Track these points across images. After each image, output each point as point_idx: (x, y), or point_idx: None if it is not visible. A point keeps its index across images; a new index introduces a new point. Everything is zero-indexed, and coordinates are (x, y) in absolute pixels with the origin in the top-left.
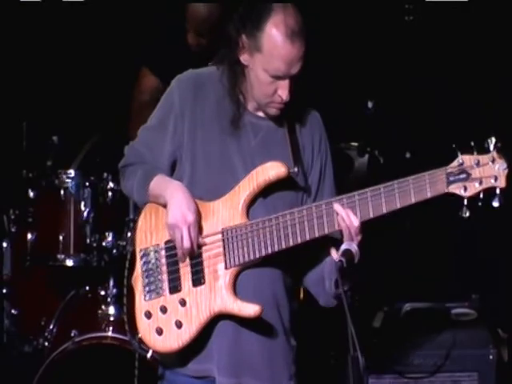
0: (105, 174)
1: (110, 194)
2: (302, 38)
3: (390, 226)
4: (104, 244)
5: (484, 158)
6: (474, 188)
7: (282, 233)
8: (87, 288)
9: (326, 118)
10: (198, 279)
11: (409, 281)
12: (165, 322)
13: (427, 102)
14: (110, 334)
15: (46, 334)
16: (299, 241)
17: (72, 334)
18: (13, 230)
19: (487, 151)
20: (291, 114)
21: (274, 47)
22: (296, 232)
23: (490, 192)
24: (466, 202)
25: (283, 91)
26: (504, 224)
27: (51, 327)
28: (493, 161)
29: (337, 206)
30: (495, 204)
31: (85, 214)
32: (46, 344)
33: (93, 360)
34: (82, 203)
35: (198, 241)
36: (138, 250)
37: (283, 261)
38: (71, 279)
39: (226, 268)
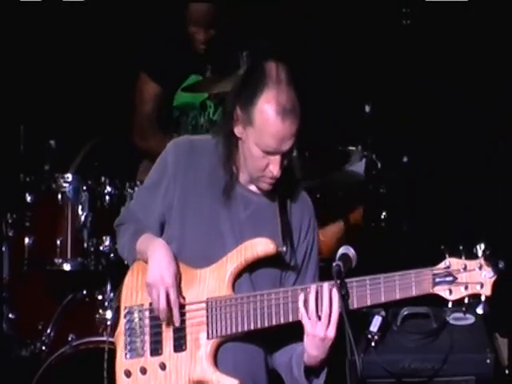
0: (102, 178)
1: (107, 198)
2: (293, 116)
3: (388, 229)
4: (101, 248)
5: (471, 264)
6: (459, 292)
7: (266, 311)
8: (84, 292)
9: (323, 122)
10: (179, 345)
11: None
12: (144, 383)
13: (425, 105)
14: (107, 338)
15: (44, 338)
16: (282, 321)
17: (69, 338)
18: (10, 234)
19: (475, 257)
20: (283, 191)
21: (265, 123)
22: (279, 312)
23: (475, 297)
24: (450, 304)
25: (274, 167)
26: (503, 227)
27: (49, 331)
28: (480, 267)
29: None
30: (479, 311)
31: (82, 218)
32: (44, 348)
33: (90, 364)
34: (80, 207)
35: (179, 303)
36: (122, 307)
37: (265, 338)
38: (69, 283)
39: (207, 338)
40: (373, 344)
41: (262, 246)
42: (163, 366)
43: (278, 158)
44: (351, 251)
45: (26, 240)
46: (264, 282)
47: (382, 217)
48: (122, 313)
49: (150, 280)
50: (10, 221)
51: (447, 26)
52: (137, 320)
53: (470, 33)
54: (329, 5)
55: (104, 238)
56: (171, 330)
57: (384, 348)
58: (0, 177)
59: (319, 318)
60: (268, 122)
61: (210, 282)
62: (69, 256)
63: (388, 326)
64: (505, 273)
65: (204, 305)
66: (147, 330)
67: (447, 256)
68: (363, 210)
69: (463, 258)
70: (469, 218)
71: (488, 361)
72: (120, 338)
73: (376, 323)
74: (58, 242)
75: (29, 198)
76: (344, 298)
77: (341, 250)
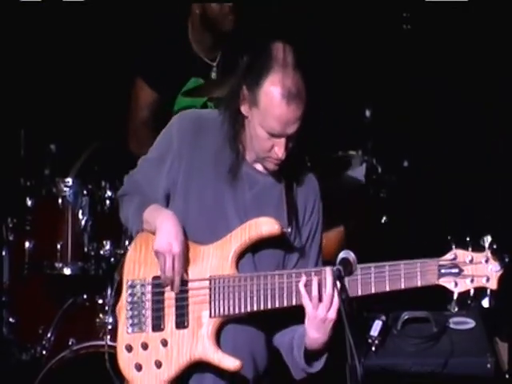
0: (103, 183)
1: (107, 202)
2: (299, 100)
3: (388, 232)
4: (102, 252)
5: (478, 256)
6: (464, 285)
7: (269, 293)
8: (85, 296)
9: (324, 126)
10: (181, 322)
11: (407, 289)
12: (145, 359)
13: (425, 109)
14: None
15: (44, 342)
16: (285, 304)
17: (70, 343)
18: (11, 238)
19: (482, 249)
20: (289, 172)
21: (269, 106)
22: (283, 295)
23: (481, 290)
24: (455, 296)
25: (279, 149)
26: (502, 230)
27: (49, 335)
28: (486, 260)
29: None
30: (485, 304)
31: (83, 222)
32: (44, 352)
33: (90, 368)
34: (80, 211)
35: (183, 278)
36: (125, 280)
37: (267, 319)
38: (69, 287)
39: (210, 316)
40: (373, 348)
41: (266, 225)
42: (165, 343)
43: (283, 140)
44: (351, 255)
45: (27, 244)
46: (267, 262)
47: (383, 221)
48: (124, 286)
49: (159, 247)
50: (10, 225)
51: (447, 30)
52: (139, 294)
53: (470, 37)
54: (329, 10)
55: (104, 242)
56: (173, 307)
57: (384, 352)
58: (0, 181)
59: (320, 299)
60: (273, 105)
61: (214, 260)
62: (69, 260)
63: (388, 330)
64: (503, 279)
65: (207, 283)
66: (149, 305)
67: (454, 247)
68: (364, 215)
69: (470, 249)
70: (470, 217)
71: (488, 365)
72: (122, 312)
73: (376, 327)
74: (59, 246)
75: (29, 203)
76: (344, 302)
77: (341, 255)
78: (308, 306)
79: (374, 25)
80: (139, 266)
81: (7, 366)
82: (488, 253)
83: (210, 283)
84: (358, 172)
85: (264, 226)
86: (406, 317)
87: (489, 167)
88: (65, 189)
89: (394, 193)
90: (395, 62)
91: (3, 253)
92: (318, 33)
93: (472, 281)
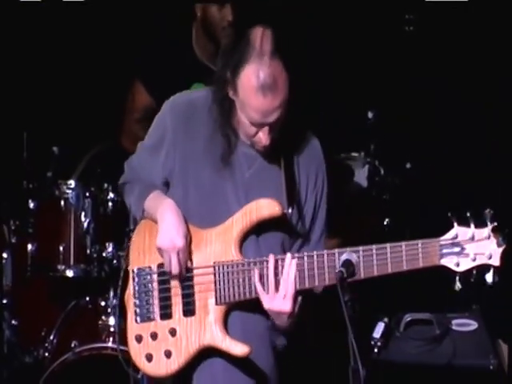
0: (105, 185)
1: (110, 204)
2: (275, 90)
3: (390, 235)
4: (104, 254)
5: (480, 233)
6: (467, 263)
7: (274, 278)
8: (87, 299)
9: (326, 128)
10: (188, 310)
11: (409, 291)
12: (154, 349)
13: (428, 112)
14: (110, 344)
15: (47, 344)
16: None
17: (72, 345)
18: (13, 240)
19: (484, 224)
20: (288, 145)
21: (246, 98)
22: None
23: (484, 267)
24: (458, 276)
25: (263, 135)
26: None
27: (51, 338)
28: (488, 237)
29: (289, 255)
30: (489, 281)
31: (85, 224)
32: (47, 355)
33: (93, 371)
34: (83, 214)
35: (188, 266)
36: (131, 268)
37: None
38: (71, 290)
39: (216, 304)
40: (376, 350)
41: (267, 207)
42: (173, 332)
43: (266, 128)
44: (354, 257)
45: (29, 246)
46: (271, 243)
47: (385, 223)
48: (131, 274)
49: (161, 245)
50: (12, 227)
51: (450, 32)
52: (146, 283)
53: (473, 38)
54: (331, 12)
55: (107, 244)
56: (180, 295)
57: (387, 354)
58: (3, 183)
59: (277, 290)
60: (249, 96)
61: (217, 246)
62: (72, 262)
63: (391, 332)
64: (506, 281)
65: (211, 269)
66: (156, 293)
67: (455, 225)
68: (366, 217)
69: (472, 225)
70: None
71: (491, 367)
72: (130, 300)
73: (379, 330)
74: (61, 249)
75: (32, 205)
76: (347, 304)
77: (344, 256)
78: (264, 299)
79: (375, 26)
80: (144, 254)
81: (10, 368)
82: (489, 229)
83: (215, 269)
84: (361, 174)
85: (264, 208)
86: (409, 319)
87: (489, 167)
88: (67, 191)
89: (396, 195)
90: (398, 63)
91: (5, 255)
92: (318, 34)
93: (474, 259)
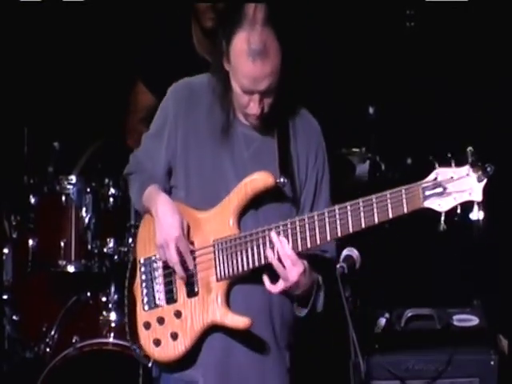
0: (106, 180)
1: (111, 199)
2: (264, 56)
3: (391, 230)
4: (105, 250)
5: (460, 171)
6: (449, 203)
7: (269, 246)
8: (88, 294)
9: (327, 124)
10: (191, 290)
11: (410, 286)
12: (162, 333)
13: (428, 107)
14: (111, 340)
15: (48, 339)
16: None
17: (73, 340)
18: (14, 235)
19: (465, 163)
20: (284, 122)
21: (237, 63)
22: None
23: (468, 205)
24: (443, 216)
25: (254, 104)
26: (505, 228)
27: (52, 333)
28: (467, 174)
29: (272, 235)
30: (473, 217)
31: (86, 220)
32: (48, 350)
33: (94, 366)
34: (84, 209)
35: (191, 249)
36: (138, 259)
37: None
38: (72, 285)
39: (217, 280)
40: (377, 346)
41: (260, 179)
42: (178, 314)
43: (256, 96)
44: (355, 253)
45: (30, 242)
46: (271, 217)
47: None
48: (138, 265)
49: (159, 245)
50: (13, 223)
51: (451, 27)
52: (151, 271)
53: (473, 34)
54: (331, 7)
55: (108, 239)
56: (183, 277)
57: (388, 349)
58: (4, 179)
59: (284, 267)
60: (240, 62)
61: (215, 224)
62: (73, 258)
63: (392, 327)
64: (507, 276)
65: (211, 248)
66: (161, 279)
67: (436, 166)
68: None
69: (453, 165)
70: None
71: (492, 362)
72: (138, 290)
73: (380, 325)
74: (62, 244)
75: (33, 200)
76: (348, 299)
77: (344, 252)
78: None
79: (376, 22)
80: (149, 243)
81: (11, 363)
82: (468, 166)
83: (214, 247)
84: (362, 169)
85: (258, 180)
86: (410, 314)
87: (489, 163)
88: (68, 186)
89: None
90: (399, 59)
91: (6, 250)
92: (319, 30)
93: (456, 198)
